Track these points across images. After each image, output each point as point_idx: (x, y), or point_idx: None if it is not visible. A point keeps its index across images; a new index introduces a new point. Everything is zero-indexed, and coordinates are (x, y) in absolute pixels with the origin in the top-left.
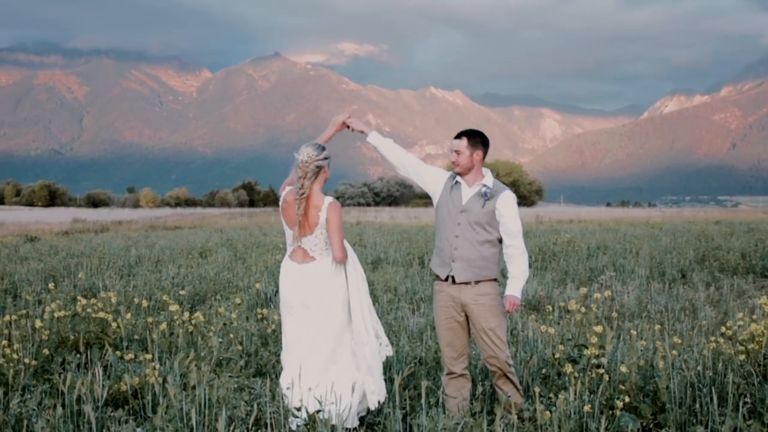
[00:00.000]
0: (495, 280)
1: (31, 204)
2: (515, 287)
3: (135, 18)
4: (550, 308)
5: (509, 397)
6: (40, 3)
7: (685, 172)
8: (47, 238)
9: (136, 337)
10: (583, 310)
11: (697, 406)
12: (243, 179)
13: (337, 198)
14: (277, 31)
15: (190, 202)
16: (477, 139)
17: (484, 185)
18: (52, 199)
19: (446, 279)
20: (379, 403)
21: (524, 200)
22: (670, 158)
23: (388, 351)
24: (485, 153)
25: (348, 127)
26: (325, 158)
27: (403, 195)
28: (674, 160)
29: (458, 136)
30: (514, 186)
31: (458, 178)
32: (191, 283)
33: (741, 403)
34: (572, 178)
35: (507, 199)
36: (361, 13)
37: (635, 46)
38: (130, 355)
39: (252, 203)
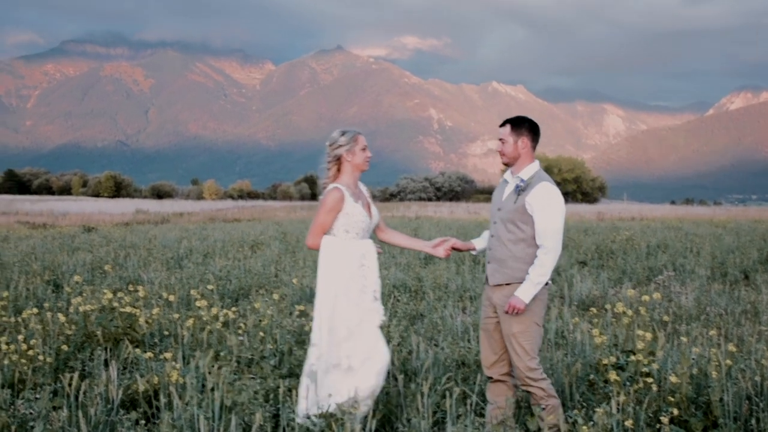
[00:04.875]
0: None
1: (97, 195)
2: (524, 289)
3: (200, 11)
4: (594, 310)
5: (543, 409)
6: None
7: (751, 170)
8: (106, 229)
9: (165, 333)
10: (630, 312)
11: (753, 421)
12: (305, 172)
13: (398, 192)
14: (341, 25)
15: (252, 195)
16: (522, 125)
17: (520, 177)
18: (118, 190)
19: (486, 280)
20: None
21: (586, 197)
22: (737, 156)
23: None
24: (533, 140)
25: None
26: (340, 145)
27: (464, 190)
28: (740, 158)
29: (502, 124)
30: (576, 182)
31: (505, 176)
32: (237, 277)
33: None
34: (636, 175)
35: (540, 191)
36: (424, 6)
37: (701, 41)
38: (149, 354)
39: (314, 196)
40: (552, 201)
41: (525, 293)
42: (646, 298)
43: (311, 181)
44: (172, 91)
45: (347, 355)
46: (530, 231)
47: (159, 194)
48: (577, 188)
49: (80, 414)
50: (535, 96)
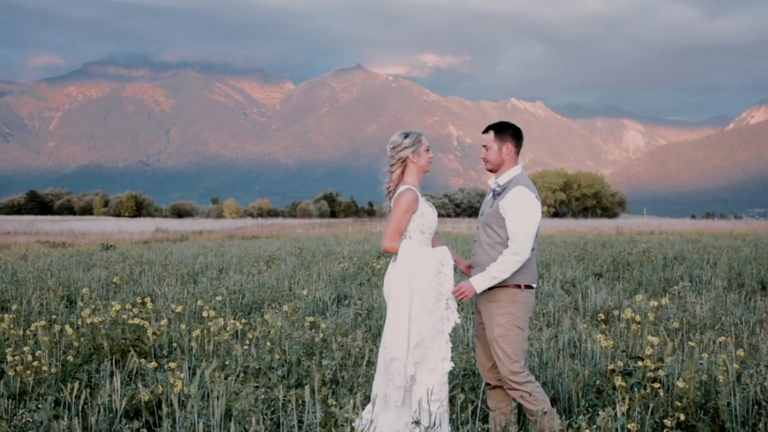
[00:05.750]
0: (518, 287)
1: (118, 214)
2: (478, 278)
3: (220, 31)
4: (602, 315)
5: (545, 412)
6: (129, 17)
7: None
8: (124, 247)
9: (174, 345)
10: (638, 318)
11: (761, 425)
12: (325, 190)
13: None
14: (360, 44)
15: (272, 213)
16: (505, 131)
17: (497, 182)
18: (139, 209)
19: None
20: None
21: (606, 212)
22: (757, 169)
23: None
24: (517, 146)
25: None
26: (405, 147)
27: None
28: (762, 172)
29: (486, 130)
30: (596, 197)
31: (489, 182)
32: (250, 291)
33: None
34: (656, 190)
35: (512, 195)
36: (443, 24)
37: (720, 56)
38: (153, 364)
39: (333, 214)
40: (523, 205)
41: (478, 282)
42: (654, 303)
43: (330, 199)
44: (193, 111)
45: (414, 362)
46: (505, 234)
47: (179, 213)
48: (597, 203)
49: (76, 422)
50: (554, 112)
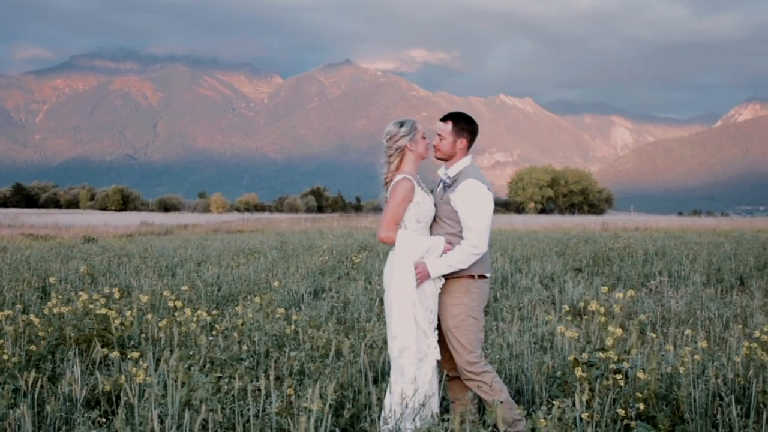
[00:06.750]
0: (471, 277)
1: (104, 208)
2: (436, 264)
3: (210, 26)
4: (566, 307)
5: (501, 402)
6: (117, 11)
7: (760, 182)
8: (107, 240)
9: (143, 335)
10: (602, 310)
11: (719, 416)
12: (312, 185)
13: None
14: (349, 39)
15: (259, 208)
16: (463, 125)
17: (447, 174)
18: (125, 203)
19: None
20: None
21: (593, 208)
22: (744, 167)
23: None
24: (470, 141)
25: None
26: (403, 136)
27: None
28: (749, 169)
29: (444, 119)
30: (583, 194)
31: (439, 171)
32: (227, 283)
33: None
34: (643, 187)
35: (463, 189)
36: (433, 20)
37: (709, 54)
38: (116, 353)
39: (320, 209)
40: (476, 198)
41: (434, 267)
42: (620, 295)
43: (318, 194)
44: (181, 105)
45: (434, 346)
46: (458, 227)
47: (166, 207)
48: (584, 200)
49: (25, 409)
50: (542, 108)
